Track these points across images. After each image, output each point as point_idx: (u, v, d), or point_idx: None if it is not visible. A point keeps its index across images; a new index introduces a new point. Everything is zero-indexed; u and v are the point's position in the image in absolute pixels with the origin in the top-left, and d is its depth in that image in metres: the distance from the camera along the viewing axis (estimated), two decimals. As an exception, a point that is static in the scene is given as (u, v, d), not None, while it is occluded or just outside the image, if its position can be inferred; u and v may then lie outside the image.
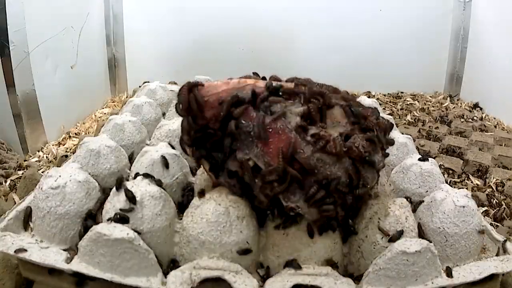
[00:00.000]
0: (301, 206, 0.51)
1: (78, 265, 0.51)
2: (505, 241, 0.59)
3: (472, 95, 1.43)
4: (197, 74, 1.09)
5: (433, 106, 1.40)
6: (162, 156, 0.66)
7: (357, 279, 0.55)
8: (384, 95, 1.48)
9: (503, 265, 0.54)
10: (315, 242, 0.55)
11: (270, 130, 0.53)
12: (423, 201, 0.62)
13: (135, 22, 1.42)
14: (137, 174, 0.61)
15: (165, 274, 0.52)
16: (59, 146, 1.05)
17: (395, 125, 0.94)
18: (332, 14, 1.45)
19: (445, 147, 1.08)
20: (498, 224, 0.78)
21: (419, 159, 0.69)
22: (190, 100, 0.55)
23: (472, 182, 0.92)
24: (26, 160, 0.94)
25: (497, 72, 1.30)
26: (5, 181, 0.86)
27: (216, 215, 0.54)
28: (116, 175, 0.68)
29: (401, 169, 0.70)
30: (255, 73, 0.65)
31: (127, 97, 1.38)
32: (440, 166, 0.95)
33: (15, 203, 0.74)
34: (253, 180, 0.52)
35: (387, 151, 0.59)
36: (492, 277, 0.54)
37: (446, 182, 0.68)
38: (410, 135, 0.86)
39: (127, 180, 0.63)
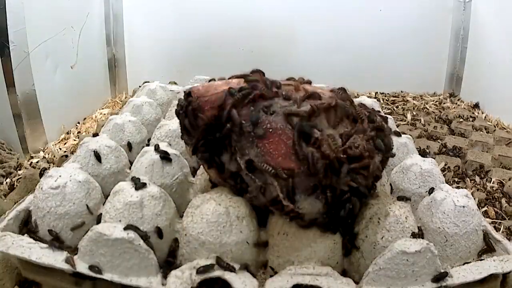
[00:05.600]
0: (301, 206, 0.51)
1: (78, 265, 0.51)
2: None
3: (472, 95, 1.42)
4: (197, 74, 1.09)
5: (433, 106, 1.40)
6: (155, 145, 0.67)
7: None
8: (384, 95, 1.48)
9: (503, 265, 0.54)
10: (315, 242, 0.55)
11: (270, 130, 0.53)
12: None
13: (135, 22, 1.42)
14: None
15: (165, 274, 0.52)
16: (59, 146, 1.05)
17: (395, 125, 0.94)
18: (332, 14, 1.44)
19: (445, 147, 1.07)
20: (498, 224, 0.78)
21: (420, 154, 0.69)
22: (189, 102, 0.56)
23: (472, 182, 0.92)
24: (35, 165, 0.94)
25: (497, 72, 1.29)
26: (5, 181, 0.86)
27: (216, 215, 0.54)
28: (116, 175, 0.68)
29: (401, 169, 0.70)
30: (259, 71, 0.64)
31: (127, 97, 1.38)
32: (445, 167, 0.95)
33: (15, 203, 0.74)
34: (253, 180, 0.52)
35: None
36: (492, 277, 0.54)
37: (446, 182, 0.67)
38: (410, 135, 0.86)
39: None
